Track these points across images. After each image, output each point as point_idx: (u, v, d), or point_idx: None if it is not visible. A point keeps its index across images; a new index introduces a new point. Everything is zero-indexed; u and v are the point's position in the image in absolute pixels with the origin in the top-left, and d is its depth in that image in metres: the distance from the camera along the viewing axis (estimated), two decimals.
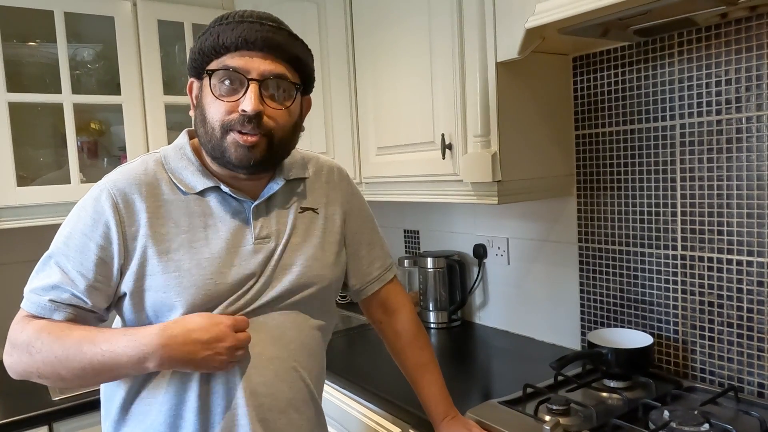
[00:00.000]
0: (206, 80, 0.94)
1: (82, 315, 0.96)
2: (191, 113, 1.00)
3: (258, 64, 0.92)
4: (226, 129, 0.93)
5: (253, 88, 0.91)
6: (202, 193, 0.99)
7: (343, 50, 1.90)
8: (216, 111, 0.93)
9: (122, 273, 0.95)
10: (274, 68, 0.93)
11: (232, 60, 0.92)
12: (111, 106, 1.86)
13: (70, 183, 1.76)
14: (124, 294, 0.96)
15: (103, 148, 2.01)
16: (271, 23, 0.94)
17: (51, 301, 0.93)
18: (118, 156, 1.98)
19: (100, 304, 0.96)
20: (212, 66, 0.93)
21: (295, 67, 0.97)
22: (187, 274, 0.95)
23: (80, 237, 0.94)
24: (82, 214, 0.96)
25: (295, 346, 1.03)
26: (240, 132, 0.92)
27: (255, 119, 0.92)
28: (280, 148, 0.98)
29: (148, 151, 1.85)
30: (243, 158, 0.94)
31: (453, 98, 1.51)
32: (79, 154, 1.79)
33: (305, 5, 1.91)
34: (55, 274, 0.94)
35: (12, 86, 1.69)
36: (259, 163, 0.95)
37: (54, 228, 1.62)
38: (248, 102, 0.91)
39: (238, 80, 0.92)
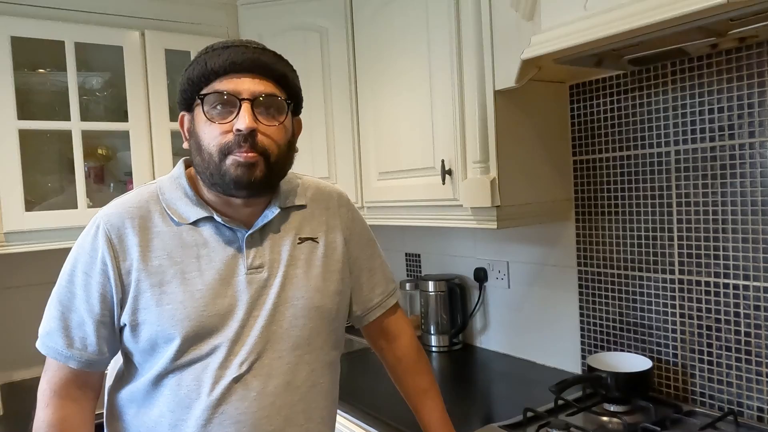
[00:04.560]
0: (198, 108, 0.95)
1: (92, 359, 0.98)
2: (185, 146, 1.01)
3: (248, 85, 0.93)
4: (225, 152, 0.93)
5: (245, 107, 0.92)
6: (195, 222, 0.99)
7: (345, 77, 1.95)
8: (211, 135, 0.94)
9: (122, 306, 0.97)
10: (264, 88, 0.94)
11: (221, 84, 0.93)
12: (118, 132, 1.90)
13: (77, 208, 1.78)
14: (125, 325, 0.97)
15: (109, 174, 2.05)
16: (256, 46, 0.97)
17: (65, 345, 0.96)
18: (125, 181, 2.01)
19: (110, 337, 0.98)
20: (203, 92, 0.95)
21: (283, 85, 0.98)
22: (180, 306, 0.94)
23: (82, 275, 0.97)
24: (81, 251, 0.98)
25: (306, 388, 1.01)
26: (237, 154, 0.93)
27: (250, 138, 0.92)
28: (276, 167, 0.98)
29: (153, 176, 1.88)
30: (243, 176, 0.93)
31: (453, 125, 1.55)
32: (86, 180, 1.82)
33: (308, 34, 1.96)
34: (64, 314, 0.97)
35: (23, 114, 1.72)
36: (258, 181, 0.95)
37: (61, 252, 1.64)
38: (242, 121, 0.91)
39: (230, 102, 0.93)
